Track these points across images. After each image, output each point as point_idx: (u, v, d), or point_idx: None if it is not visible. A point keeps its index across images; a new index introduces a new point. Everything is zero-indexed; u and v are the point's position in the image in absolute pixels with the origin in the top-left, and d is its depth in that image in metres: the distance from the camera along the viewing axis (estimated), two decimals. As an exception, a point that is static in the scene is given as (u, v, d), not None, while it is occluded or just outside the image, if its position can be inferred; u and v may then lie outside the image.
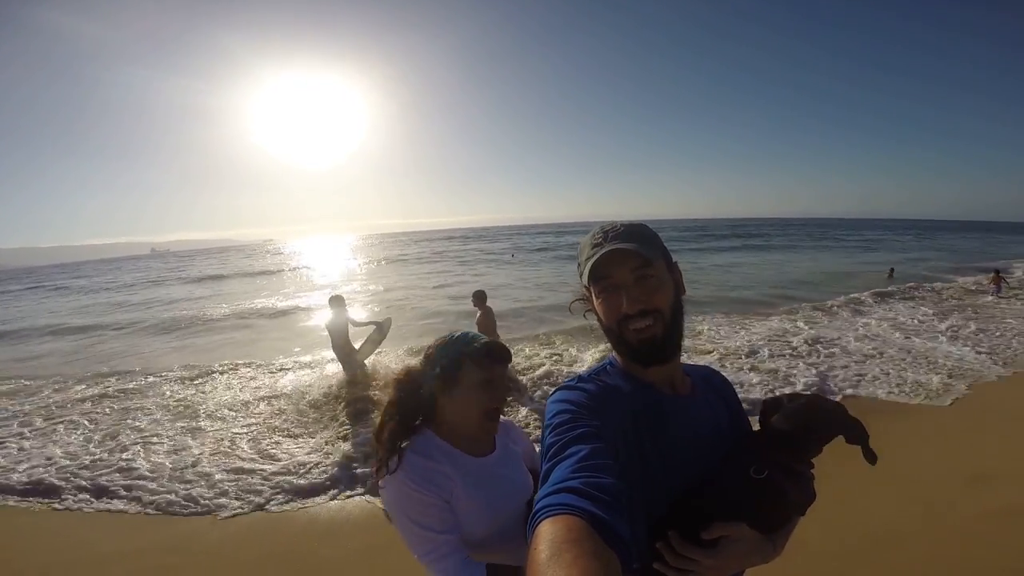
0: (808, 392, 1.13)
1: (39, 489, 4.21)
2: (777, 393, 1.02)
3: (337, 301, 6.46)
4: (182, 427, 5.44)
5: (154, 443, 5.03)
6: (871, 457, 0.89)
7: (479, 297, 6.51)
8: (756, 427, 0.99)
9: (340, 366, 6.60)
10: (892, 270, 16.26)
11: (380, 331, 6.95)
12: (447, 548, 1.10)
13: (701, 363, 1.19)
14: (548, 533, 0.60)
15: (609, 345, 0.99)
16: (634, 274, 0.90)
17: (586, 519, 0.62)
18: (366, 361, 6.84)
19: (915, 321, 9.23)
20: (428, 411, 1.26)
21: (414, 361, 1.34)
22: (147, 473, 4.37)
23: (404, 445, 1.18)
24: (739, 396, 1.12)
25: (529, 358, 7.43)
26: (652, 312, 0.90)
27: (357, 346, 6.68)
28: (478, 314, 6.39)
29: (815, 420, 0.89)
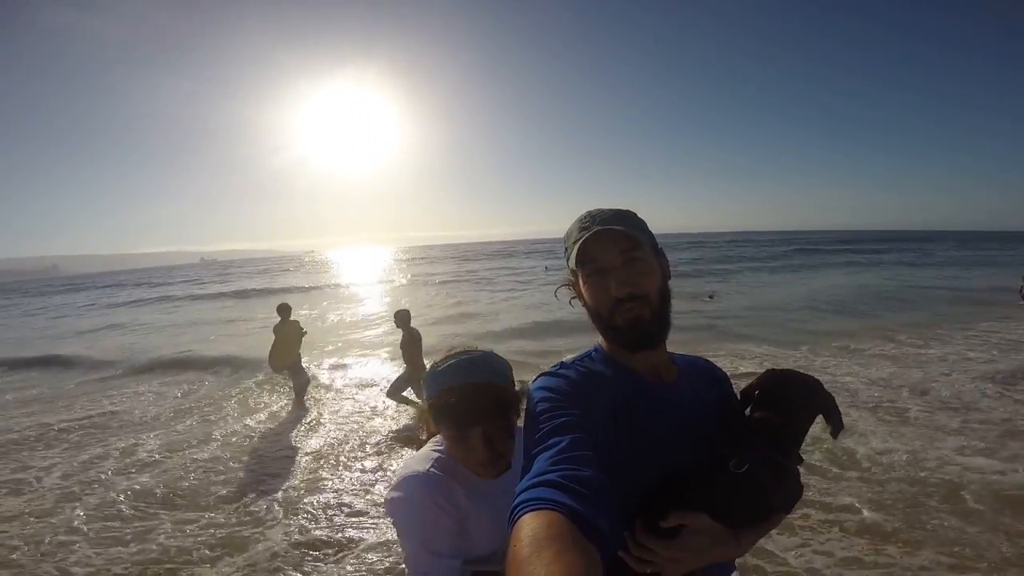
0: (781, 369, 0.98)
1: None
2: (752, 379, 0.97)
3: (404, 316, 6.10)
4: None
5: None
6: (838, 431, 0.87)
7: (401, 318, 5.94)
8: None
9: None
10: None
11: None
12: (443, 569, 1.05)
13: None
14: (528, 528, 0.60)
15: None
16: (622, 256, 0.89)
17: (565, 514, 0.62)
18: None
19: None
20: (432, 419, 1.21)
21: None
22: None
23: (431, 464, 1.10)
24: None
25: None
26: (640, 296, 0.89)
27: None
28: (401, 337, 5.87)
29: (803, 396, 0.86)
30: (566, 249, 0.97)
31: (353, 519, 3.79)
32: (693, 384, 1.00)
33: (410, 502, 1.05)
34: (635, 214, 0.97)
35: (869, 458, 4.30)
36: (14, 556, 3.51)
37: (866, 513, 3.49)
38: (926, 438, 4.69)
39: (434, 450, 1.14)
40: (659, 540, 0.79)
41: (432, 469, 1.08)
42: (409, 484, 1.06)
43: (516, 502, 0.67)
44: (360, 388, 7.59)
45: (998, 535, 3.16)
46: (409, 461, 1.14)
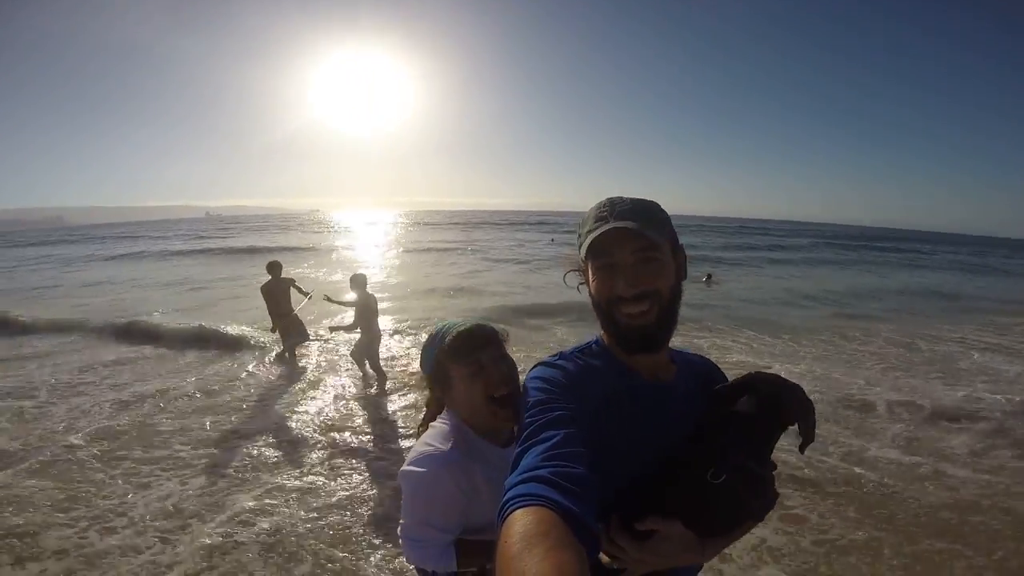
0: (766, 371, 0.91)
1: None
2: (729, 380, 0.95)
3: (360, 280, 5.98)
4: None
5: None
6: (808, 443, 0.86)
7: (358, 282, 5.80)
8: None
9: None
10: None
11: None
12: (438, 542, 1.10)
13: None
14: (519, 524, 0.61)
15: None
16: (635, 256, 0.87)
17: (556, 511, 0.62)
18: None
19: None
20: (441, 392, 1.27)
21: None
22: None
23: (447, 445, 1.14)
24: None
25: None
26: (651, 295, 0.87)
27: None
28: (356, 301, 5.83)
29: (785, 400, 0.85)
30: (579, 236, 0.94)
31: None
32: (688, 385, 1.00)
33: (427, 480, 1.09)
34: (658, 207, 0.93)
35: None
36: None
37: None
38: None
39: (450, 427, 1.19)
40: (631, 541, 0.81)
41: (453, 448, 1.13)
42: (429, 462, 1.10)
43: (507, 497, 0.68)
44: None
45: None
46: (429, 437, 1.18)
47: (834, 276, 19.59)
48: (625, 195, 0.94)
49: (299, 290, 6.72)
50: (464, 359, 1.17)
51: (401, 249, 28.33)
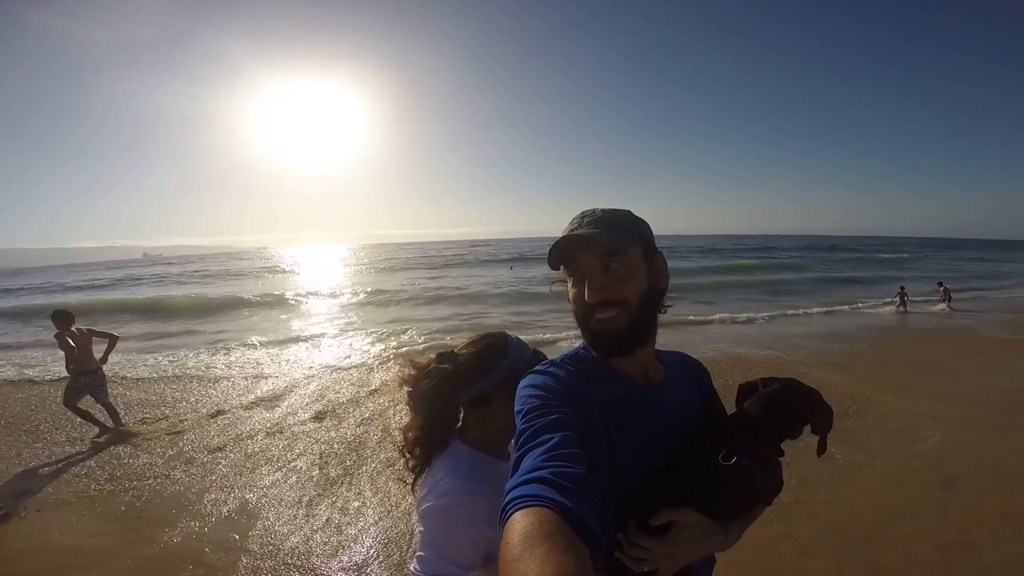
0: (783, 376, 0.93)
1: None
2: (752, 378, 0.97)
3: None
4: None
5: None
6: (823, 449, 0.88)
7: (62, 318, 5.24)
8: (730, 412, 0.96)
9: None
10: None
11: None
12: None
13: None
14: (520, 526, 0.60)
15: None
16: (600, 262, 0.88)
17: (557, 511, 0.62)
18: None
19: None
20: (455, 421, 1.23)
21: (426, 360, 1.23)
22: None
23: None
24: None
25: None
26: (617, 303, 0.88)
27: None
28: (65, 339, 5.20)
29: (790, 405, 0.87)
30: None
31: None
32: (679, 383, 1.01)
33: (451, 514, 1.06)
34: (629, 214, 0.95)
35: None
36: None
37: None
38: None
39: (462, 458, 1.14)
40: (651, 538, 0.81)
41: (482, 480, 1.08)
42: (451, 496, 1.07)
43: (507, 499, 0.67)
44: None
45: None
46: (442, 471, 1.13)
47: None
48: (600, 207, 0.96)
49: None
50: (511, 383, 1.10)
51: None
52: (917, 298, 14.75)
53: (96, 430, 5.43)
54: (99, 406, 5.56)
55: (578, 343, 1.03)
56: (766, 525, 3.29)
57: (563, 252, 0.91)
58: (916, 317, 12.74)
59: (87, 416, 5.42)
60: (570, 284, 0.95)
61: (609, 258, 0.89)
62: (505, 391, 1.11)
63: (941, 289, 14.08)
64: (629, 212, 0.96)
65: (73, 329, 5.34)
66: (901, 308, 13.38)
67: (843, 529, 3.39)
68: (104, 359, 5.56)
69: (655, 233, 0.99)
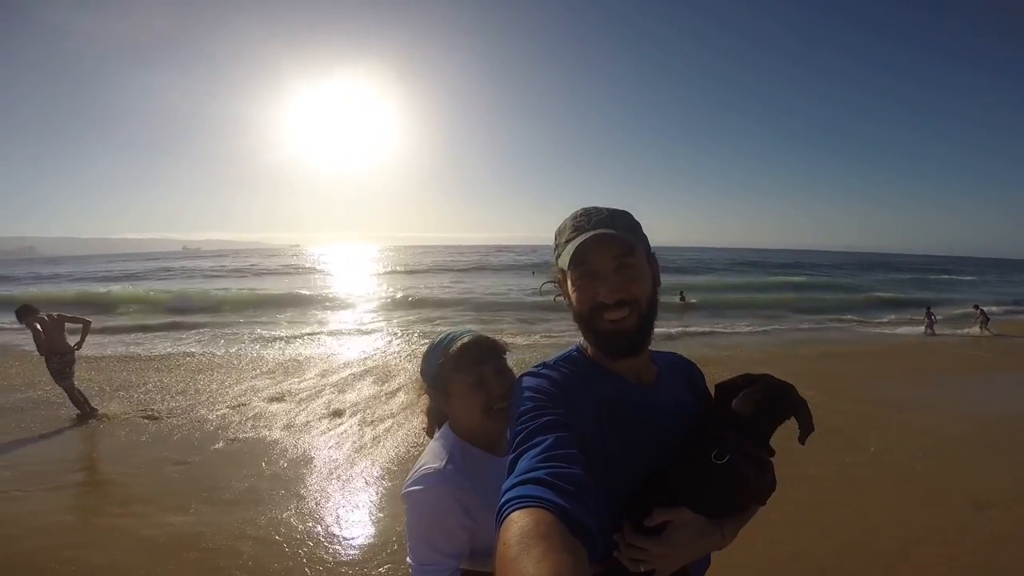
0: (758, 373, 0.94)
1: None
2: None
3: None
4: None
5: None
6: (807, 434, 0.89)
7: (27, 312, 5.83)
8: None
9: None
10: None
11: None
12: (444, 568, 1.07)
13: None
14: (516, 526, 0.60)
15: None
16: (615, 262, 0.88)
17: (553, 511, 0.62)
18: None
19: None
20: (440, 409, 1.27)
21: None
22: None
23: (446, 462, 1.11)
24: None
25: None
26: (629, 302, 0.88)
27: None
28: (35, 326, 5.69)
29: (777, 402, 0.88)
30: (556, 246, 0.95)
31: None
32: (672, 384, 1.01)
33: (426, 498, 1.07)
34: (631, 215, 0.95)
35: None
36: None
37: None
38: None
39: (446, 445, 1.16)
40: (647, 538, 0.81)
41: (449, 465, 1.10)
42: (427, 480, 1.08)
43: (503, 500, 0.67)
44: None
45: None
46: (426, 456, 1.16)
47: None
48: (601, 205, 0.96)
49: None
50: (467, 370, 1.15)
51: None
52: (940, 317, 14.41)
53: (76, 412, 5.88)
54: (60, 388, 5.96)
55: (570, 346, 1.04)
56: (777, 543, 3.24)
57: (579, 252, 0.89)
58: (945, 339, 12.46)
59: (76, 397, 5.88)
60: (572, 285, 0.93)
61: (624, 258, 0.89)
62: (459, 383, 1.16)
63: (979, 312, 13.62)
64: (630, 213, 0.96)
65: (43, 316, 5.92)
66: (929, 331, 13.11)
67: (860, 549, 3.25)
68: (80, 344, 6.06)
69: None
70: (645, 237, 0.96)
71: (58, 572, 3.02)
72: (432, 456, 1.15)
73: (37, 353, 5.79)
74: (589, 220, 0.91)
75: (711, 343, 10.91)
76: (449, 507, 1.06)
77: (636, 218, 0.97)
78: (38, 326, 5.74)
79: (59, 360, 5.81)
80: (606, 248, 0.88)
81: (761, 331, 12.74)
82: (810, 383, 7.18)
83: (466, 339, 1.18)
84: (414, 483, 1.09)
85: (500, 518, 0.65)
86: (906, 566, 3.09)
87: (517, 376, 1.13)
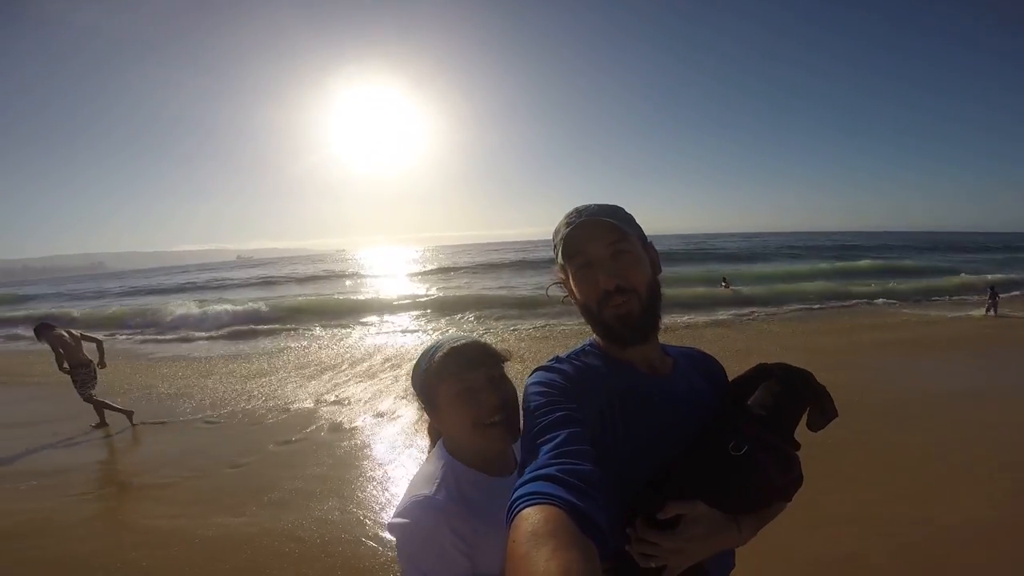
0: (772, 363, 0.90)
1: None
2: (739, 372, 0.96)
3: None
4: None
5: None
6: (829, 420, 0.84)
7: (45, 328, 6.04)
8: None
9: None
10: None
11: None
12: None
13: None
14: (527, 523, 0.60)
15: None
16: (610, 249, 0.89)
17: (564, 508, 0.61)
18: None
19: None
20: (433, 425, 1.18)
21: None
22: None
23: (436, 486, 1.01)
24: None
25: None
26: (628, 289, 0.88)
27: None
28: (56, 341, 5.92)
29: (796, 391, 0.84)
30: (554, 246, 0.97)
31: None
32: (688, 375, 1.00)
33: (415, 529, 0.97)
34: (622, 208, 0.96)
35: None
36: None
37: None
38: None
39: (437, 467, 1.06)
40: (659, 532, 0.79)
41: (439, 491, 1.00)
42: (414, 509, 0.98)
43: (514, 496, 0.67)
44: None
45: None
46: (414, 482, 1.07)
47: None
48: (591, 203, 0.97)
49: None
50: (452, 379, 1.04)
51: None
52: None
53: (96, 420, 6.11)
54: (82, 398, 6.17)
55: (584, 340, 1.03)
56: (837, 543, 3.07)
57: (571, 242, 0.91)
58: (1010, 320, 11.30)
59: (105, 405, 6.15)
60: (573, 279, 0.94)
61: (618, 244, 0.90)
62: (445, 393, 1.05)
63: (991, 293, 12.58)
64: (619, 206, 0.97)
65: (62, 332, 6.17)
66: (991, 312, 12.06)
67: (920, 552, 3.01)
68: (101, 362, 6.34)
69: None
70: (639, 226, 0.97)
71: (116, 572, 3.15)
72: (422, 481, 1.05)
73: (58, 369, 6.10)
74: (580, 214, 0.92)
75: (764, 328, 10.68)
76: (443, 537, 0.97)
77: (637, 221, 0.98)
78: (64, 336, 6.08)
79: (84, 371, 6.11)
80: (598, 236, 0.90)
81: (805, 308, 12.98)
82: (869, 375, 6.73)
83: (454, 344, 1.07)
84: (400, 515, 1.00)
85: (511, 515, 0.64)
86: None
87: (517, 385, 1.08)
